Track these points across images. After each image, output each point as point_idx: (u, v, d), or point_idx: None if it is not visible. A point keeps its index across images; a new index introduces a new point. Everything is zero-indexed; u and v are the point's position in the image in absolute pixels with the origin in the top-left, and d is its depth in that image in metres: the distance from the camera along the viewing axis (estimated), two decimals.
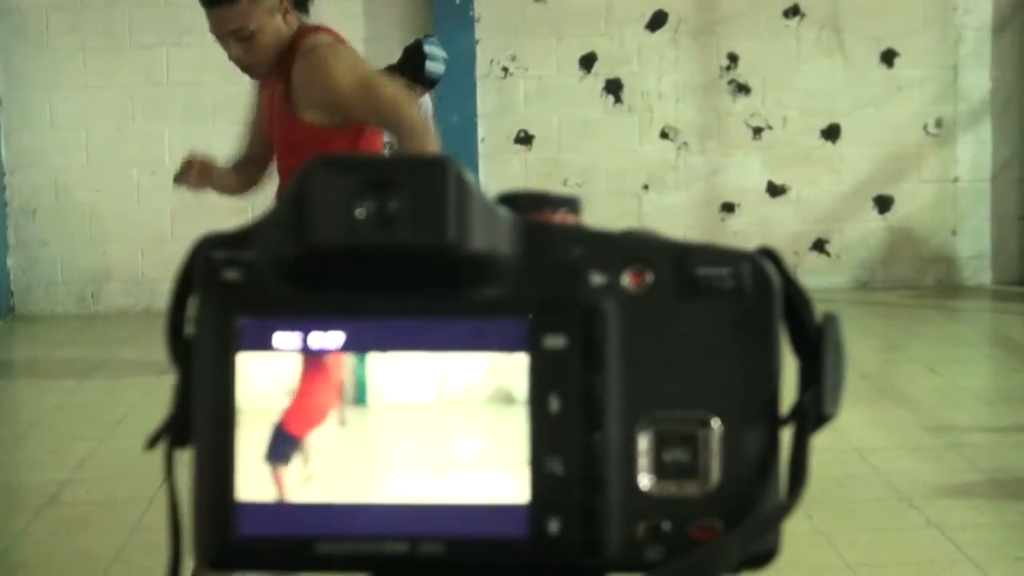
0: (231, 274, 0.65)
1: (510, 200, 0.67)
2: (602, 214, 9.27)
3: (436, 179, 0.62)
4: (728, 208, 9.70)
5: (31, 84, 9.34)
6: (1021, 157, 9.84)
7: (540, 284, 0.65)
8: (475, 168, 9.24)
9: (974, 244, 9.90)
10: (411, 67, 6.38)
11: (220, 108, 9.35)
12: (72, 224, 9.43)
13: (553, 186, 9.48)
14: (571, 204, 0.69)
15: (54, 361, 7.96)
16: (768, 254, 0.67)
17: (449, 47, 6.63)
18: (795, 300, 0.67)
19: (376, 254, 0.63)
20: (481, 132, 9.51)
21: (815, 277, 9.22)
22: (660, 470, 0.65)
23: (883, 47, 9.65)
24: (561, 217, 0.68)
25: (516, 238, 0.65)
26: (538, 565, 0.63)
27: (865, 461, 5.24)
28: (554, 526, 0.63)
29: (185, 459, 0.67)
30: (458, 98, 9.02)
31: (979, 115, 9.79)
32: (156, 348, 7.83)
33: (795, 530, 0.76)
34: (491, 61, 9.50)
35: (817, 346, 0.66)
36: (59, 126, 9.38)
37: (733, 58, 9.60)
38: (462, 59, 8.92)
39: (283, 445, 0.64)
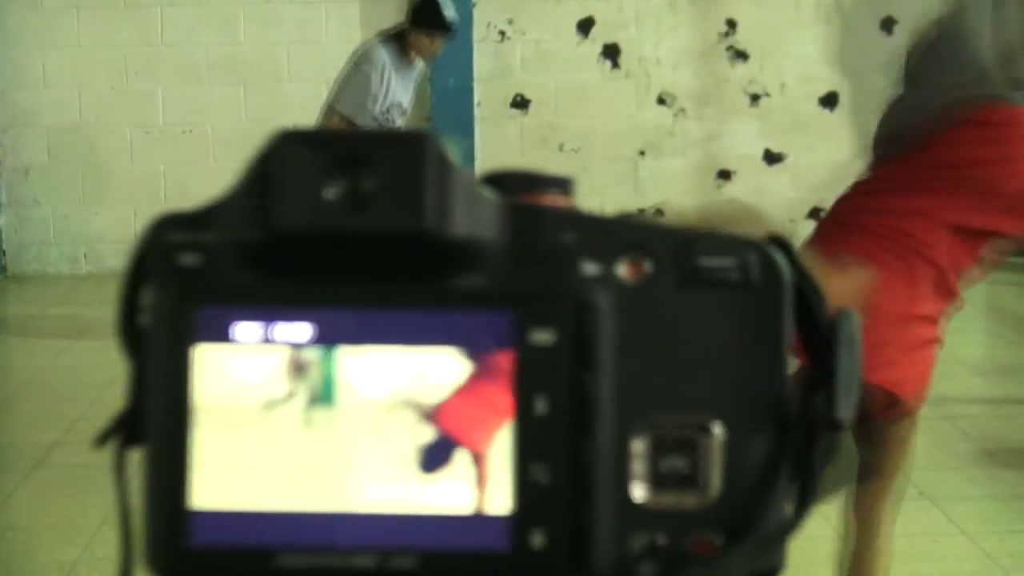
0: (189, 259, 0.60)
1: (496, 180, 0.61)
2: (598, 180, 9.22)
3: (414, 156, 0.57)
4: (725, 175, 9.64)
5: (24, 43, 9.27)
6: None
7: (527, 273, 0.59)
8: (471, 133, 9.19)
9: None
10: (426, 18, 6.39)
11: (214, 68, 9.29)
12: (65, 184, 9.38)
13: (549, 151, 9.44)
14: (562, 185, 0.63)
15: (45, 321, 7.93)
16: (778, 242, 0.61)
17: None
18: (806, 293, 0.61)
19: (347, 239, 0.57)
20: (477, 96, 9.44)
21: None
22: (656, 479, 0.59)
23: (882, 14, 9.57)
24: (551, 199, 0.62)
25: (502, 222, 0.59)
26: None
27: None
28: (538, 539, 0.57)
29: (137, 459, 0.62)
30: (455, 62, 8.94)
31: None
32: None
33: None
34: (488, 24, 9.41)
35: (830, 344, 0.60)
36: (52, 85, 9.31)
37: (732, 24, 9.52)
38: (459, 22, 8.86)
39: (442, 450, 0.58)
